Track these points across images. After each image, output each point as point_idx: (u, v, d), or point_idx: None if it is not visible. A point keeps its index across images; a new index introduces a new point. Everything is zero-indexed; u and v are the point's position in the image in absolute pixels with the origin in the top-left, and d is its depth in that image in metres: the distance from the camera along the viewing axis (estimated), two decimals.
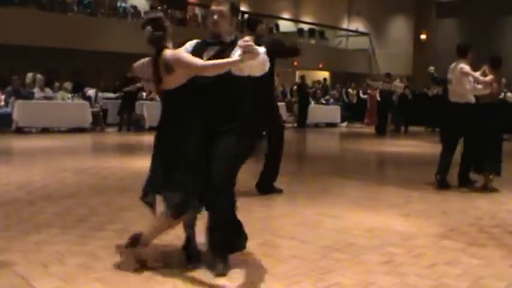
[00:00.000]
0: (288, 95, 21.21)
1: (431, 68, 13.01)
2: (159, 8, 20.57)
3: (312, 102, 20.31)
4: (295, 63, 20.50)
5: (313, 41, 25.30)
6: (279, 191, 6.36)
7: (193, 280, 3.38)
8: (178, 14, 21.16)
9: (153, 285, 3.29)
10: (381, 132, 17.14)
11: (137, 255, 3.59)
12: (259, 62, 3.43)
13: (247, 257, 3.83)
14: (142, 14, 20.04)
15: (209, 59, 3.56)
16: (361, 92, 22.32)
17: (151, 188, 3.69)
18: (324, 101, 21.62)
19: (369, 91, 20.78)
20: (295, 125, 19.11)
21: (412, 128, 19.39)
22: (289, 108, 19.66)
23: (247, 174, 5.56)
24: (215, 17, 3.66)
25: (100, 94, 15.83)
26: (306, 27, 26.07)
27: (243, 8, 20.01)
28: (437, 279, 3.54)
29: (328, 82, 24.29)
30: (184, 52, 3.56)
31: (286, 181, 6.68)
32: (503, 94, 12.95)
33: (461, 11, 24.34)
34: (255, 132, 5.79)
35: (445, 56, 22.64)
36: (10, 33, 14.98)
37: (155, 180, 3.65)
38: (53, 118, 14.15)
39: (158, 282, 3.34)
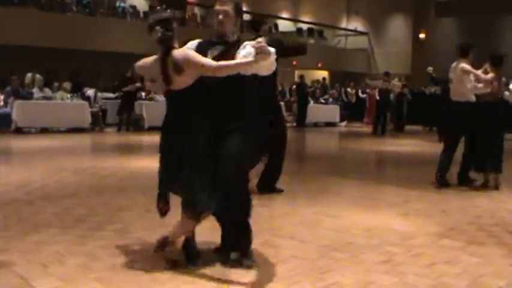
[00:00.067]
0: (287, 95, 21.22)
1: (430, 69, 13.04)
2: (159, 7, 20.56)
3: (311, 102, 20.32)
4: (294, 63, 20.52)
5: (312, 41, 25.29)
6: (280, 191, 6.35)
7: (193, 280, 3.38)
8: (177, 14, 21.10)
9: (153, 285, 3.29)
10: (377, 132, 17.09)
11: (167, 256, 3.63)
12: (269, 62, 3.47)
13: (245, 257, 3.82)
14: (141, 14, 20.07)
15: (213, 58, 3.57)
16: (360, 91, 22.33)
17: (162, 189, 3.70)
18: (323, 101, 21.64)
19: (367, 90, 20.80)
20: (294, 124, 19.11)
21: (410, 127, 19.41)
22: (288, 108, 19.65)
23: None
24: (220, 16, 3.67)
25: (99, 94, 15.84)
26: (305, 26, 26.08)
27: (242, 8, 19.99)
28: (437, 278, 3.55)
29: (327, 81, 24.30)
30: (194, 52, 3.57)
31: (286, 180, 6.68)
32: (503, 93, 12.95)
33: (460, 10, 24.36)
34: (263, 131, 5.83)
35: (444, 55, 22.71)
36: (9, 33, 14.98)
37: (162, 180, 3.67)
38: (52, 118, 14.15)
39: (158, 282, 3.34)
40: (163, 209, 3.70)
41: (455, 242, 4.46)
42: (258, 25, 6.35)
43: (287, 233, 4.55)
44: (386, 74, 17.93)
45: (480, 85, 7.06)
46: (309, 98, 20.12)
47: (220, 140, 3.59)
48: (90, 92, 15.60)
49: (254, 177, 6.33)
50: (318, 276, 3.51)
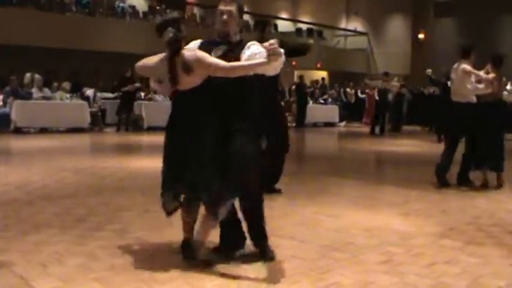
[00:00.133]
0: (287, 95, 21.21)
1: (429, 71, 13.06)
2: (158, 7, 20.58)
3: (310, 102, 20.31)
4: (294, 63, 20.51)
5: (311, 41, 25.30)
6: (278, 191, 6.35)
7: (192, 280, 3.38)
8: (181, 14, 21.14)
9: (152, 285, 3.29)
10: (374, 132, 17.08)
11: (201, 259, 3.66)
12: (279, 63, 3.51)
13: (247, 257, 3.83)
14: (140, 14, 20.06)
15: (217, 58, 3.59)
16: (359, 91, 22.33)
17: (164, 188, 3.71)
18: (322, 101, 21.64)
19: (367, 90, 20.79)
20: (294, 124, 19.11)
21: (410, 128, 19.42)
22: (287, 108, 19.65)
23: None
24: (225, 17, 3.70)
25: (98, 94, 15.83)
26: (304, 27, 26.07)
27: None
28: (436, 278, 3.55)
29: (326, 82, 24.30)
30: (205, 53, 3.58)
31: (286, 181, 6.68)
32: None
33: (459, 10, 24.36)
34: (270, 130, 5.93)
35: (443, 55, 22.78)
36: (8, 33, 14.96)
37: (165, 180, 3.68)
38: (52, 118, 14.14)
39: (158, 282, 3.34)
40: (169, 208, 3.69)
41: (455, 242, 4.46)
42: (263, 26, 6.37)
43: (287, 233, 4.54)
44: (386, 74, 17.93)
45: (481, 86, 7.07)
46: (308, 98, 20.11)
47: (225, 140, 3.61)
48: (89, 92, 15.59)
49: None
50: (318, 276, 3.51)
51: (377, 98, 17.72)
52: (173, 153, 3.64)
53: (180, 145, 3.60)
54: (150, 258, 3.80)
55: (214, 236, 3.98)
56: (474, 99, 7.13)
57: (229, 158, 3.59)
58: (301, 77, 20.21)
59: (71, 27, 16.62)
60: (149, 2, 21.21)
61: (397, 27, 26.38)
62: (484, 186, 7.13)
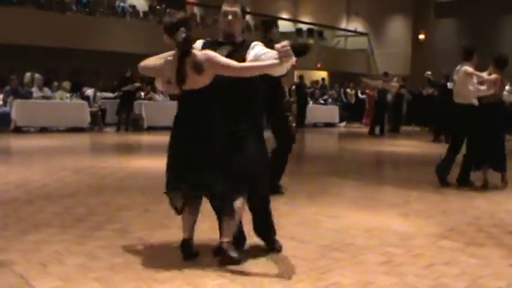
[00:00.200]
0: (287, 95, 21.19)
1: (428, 73, 13.08)
2: (158, 7, 20.58)
3: (310, 102, 20.31)
4: (294, 63, 20.52)
5: (311, 41, 25.30)
6: (280, 192, 6.33)
7: (192, 280, 3.38)
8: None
9: (152, 285, 3.29)
10: (374, 133, 17.07)
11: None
12: (289, 65, 3.55)
13: (247, 257, 3.83)
14: (141, 14, 20.06)
15: None
16: (359, 92, 22.32)
17: (169, 188, 3.71)
18: (322, 101, 21.63)
19: (367, 91, 20.78)
20: (294, 124, 19.07)
21: (408, 128, 19.41)
22: (287, 108, 19.62)
23: None
24: (230, 17, 3.74)
25: (98, 94, 15.84)
26: (304, 27, 26.08)
27: None
28: (436, 279, 3.55)
29: (326, 82, 24.30)
30: (216, 53, 3.59)
31: (286, 181, 6.68)
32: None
33: (460, 11, 24.36)
34: (277, 129, 6.30)
35: (443, 56, 22.79)
36: (9, 33, 14.97)
37: (170, 180, 3.68)
38: (52, 118, 14.15)
39: (158, 281, 3.34)
40: (178, 205, 3.71)
41: (455, 243, 4.46)
42: (268, 27, 6.40)
43: (287, 233, 4.54)
44: (385, 74, 17.93)
45: (483, 87, 7.09)
46: (308, 99, 20.11)
47: (230, 140, 3.65)
48: (89, 91, 15.60)
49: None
50: (318, 276, 3.51)
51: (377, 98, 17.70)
52: (179, 153, 3.64)
53: (186, 145, 3.61)
54: (150, 257, 3.80)
55: (215, 236, 3.99)
56: (476, 102, 7.15)
57: (235, 158, 3.62)
58: (301, 77, 20.20)
59: (71, 26, 16.62)
60: (149, 2, 21.22)
61: (397, 27, 26.38)
62: (484, 186, 7.14)
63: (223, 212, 3.65)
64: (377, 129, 17.12)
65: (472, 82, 7.07)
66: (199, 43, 3.83)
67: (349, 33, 27.26)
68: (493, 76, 7.05)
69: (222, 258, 3.65)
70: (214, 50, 3.68)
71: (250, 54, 3.68)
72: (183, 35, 3.52)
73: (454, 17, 25.19)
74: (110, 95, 16.45)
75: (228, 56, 3.63)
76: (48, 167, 7.99)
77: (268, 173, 3.98)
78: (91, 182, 6.86)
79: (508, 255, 4.16)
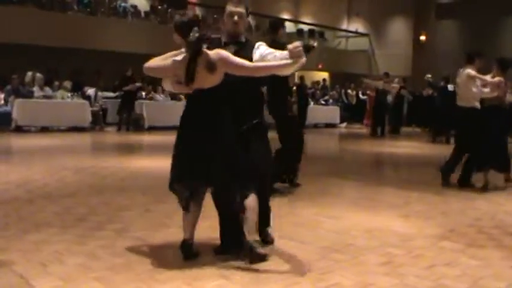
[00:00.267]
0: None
1: (428, 76, 13.10)
2: (160, 7, 20.59)
3: (311, 103, 20.30)
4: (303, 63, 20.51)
5: (314, 42, 25.31)
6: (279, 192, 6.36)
7: (192, 280, 3.38)
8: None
9: (153, 285, 3.29)
10: (376, 134, 17.06)
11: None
12: (299, 65, 3.60)
13: (245, 258, 3.83)
14: (142, 14, 20.06)
15: None
16: (360, 92, 22.32)
17: (175, 187, 3.73)
18: (323, 102, 21.63)
19: (368, 92, 20.77)
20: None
21: (408, 129, 19.39)
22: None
23: None
24: (235, 18, 3.81)
25: (99, 93, 15.85)
26: (305, 27, 26.08)
27: None
28: (436, 280, 3.55)
29: (327, 83, 24.29)
30: (228, 53, 3.63)
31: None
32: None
33: (461, 13, 24.34)
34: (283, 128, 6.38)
35: (444, 57, 22.79)
36: (10, 32, 14.97)
37: (175, 178, 3.69)
38: (53, 117, 14.17)
39: (158, 281, 3.34)
40: (186, 203, 3.73)
41: (455, 244, 4.46)
42: (276, 28, 6.44)
43: (287, 234, 4.54)
44: (386, 74, 17.92)
45: (486, 90, 7.11)
46: (309, 99, 20.10)
47: (239, 138, 3.71)
48: (90, 91, 15.61)
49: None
50: (318, 277, 3.51)
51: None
52: (186, 152, 3.65)
53: (195, 144, 3.62)
54: (151, 257, 3.80)
55: (215, 236, 3.99)
56: (478, 105, 7.18)
57: (244, 157, 3.69)
58: (302, 78, 20.19)
59: (73, 26, 16.63)
60: (151, 2, 21.22)
61: (398, 28, 26.37)
62: (485, 188, 7.13)
63: (233, 209, 3.70)
64: (378, 130, 17.11)
65: (475, 84, 7.10)
66: None
67: (350, 34, 27.25)
68: (497, 79, 7.07)
69: (250, 257, 3.69)
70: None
71: (256, 54, 3.74)
72: (196, 35, 3.54)
73: (455, 18, 25.17)
74: (111, 94, 16.47)
75: (234, 55, 3.67)
76: (49, 166, 7.99)
77: (270, 172, 4.08)
78: (92, 182, 6.86)
79: (509, 256, 4.16)
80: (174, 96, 16.78)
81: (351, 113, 22.27)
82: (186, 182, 3.68)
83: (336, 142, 16.41)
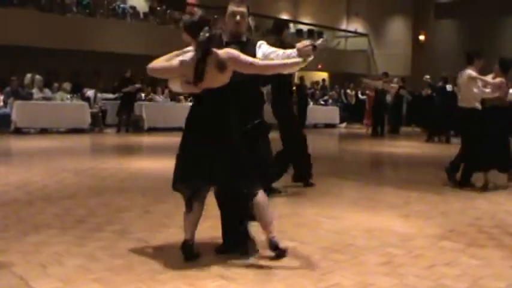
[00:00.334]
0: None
1: (427, 77, 13.08)
2: (159, 8, 20.58)
3: (311, 103, 20.30)
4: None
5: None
6: (278, 192, 6.36)
7: (192, 280, 3.38)
8: (177, 15, 21.15)
9: (153, 286, 3.28)
10: (377, 135, 17.04)
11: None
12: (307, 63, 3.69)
13: (247, 257, 3.83)
14: (141, 15, 20.05)
15: None
16: (359, 92, 22.31)
17: (181, 187, 3.74)
18: (322, 102, 21.62)
19: (367, 92, 20.77)
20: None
21: (408, 129, 19.37)
22: None
23: None
24: (238, 17, 3.84)
25: (99, 95, 15.85)
26: (304, 28, 26.08)
27: None
28: (437, 280, 3.54)
29: (327, 83, 24.28)
30: (238, 51, 3.65)
31: (285, 182, 6.69)
32: None
33: (460, 12, 24.36)
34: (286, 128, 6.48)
35: (443, 57, 22.79)
36: (9, 34, 14.98)
37: (177, 179, 3.70)
38: (52, 119, 14.16)
39: (158, 282, 3.33)
40: (191, 204, 3.74)
41: (455, 244, 4.45)
42: (280, 29, 6.49)
43: (287, 234, 4.53)
44: (385, 74, 17.92)
45: (488, 90, 7.11)
46: (309, 100, 20.09)
47: (243, 137, 3.74)
48: (89, 92, 15.61)
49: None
50: (319, 277, 3.51)
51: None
52: (192, 152, 3.65)
53: (202, 143, 3.63)
54: (151, 258, 3.80)
55: (216, 236, 3.98)
56: (479, 106, 7.19)
57: (251, 156, 3.72)
58: (301, 78, 20.19)
59: (72, 27, 16.64)
60: (150, 3, 21.22)
61: (397, 28, 26.37)
62: (485, 187, 7.13)
63: (240, 208, 3.76)
64: (379, 129, 17.10)
65: (476, 85, 7.12)
66: None
67: (349, 34, 27.25)
68: (498, 79, 7.07)
69: (277, 252, 3.78)
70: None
71: (259, 53, 3.80)
72: (207, 35, 3.54)
73: (454, 18, 25.19)
74: (110, 96, 16.46)
75: None
76: (48, 168, 7.98)
77: (270, 172, 4.15)
78: (91, 183, 6.86)
79: (509, 256, 4.16)
80: (173, 98, 16.79)
81: (351, 113, 22.26)
82: (190, 182, 3.67)
83: (335, 142, 16.41)
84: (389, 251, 4.17)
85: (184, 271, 3.53)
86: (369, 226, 4.93)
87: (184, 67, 3.61)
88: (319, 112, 20.75)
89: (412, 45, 25.66)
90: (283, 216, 5.26)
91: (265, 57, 3.78)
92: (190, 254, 3.73)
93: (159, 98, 16.75)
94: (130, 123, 15.45)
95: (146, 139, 14.00)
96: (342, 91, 23.14)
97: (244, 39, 3.91)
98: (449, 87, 15.70)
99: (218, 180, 3.69)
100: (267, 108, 4.97)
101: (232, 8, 3.87)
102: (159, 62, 3.74)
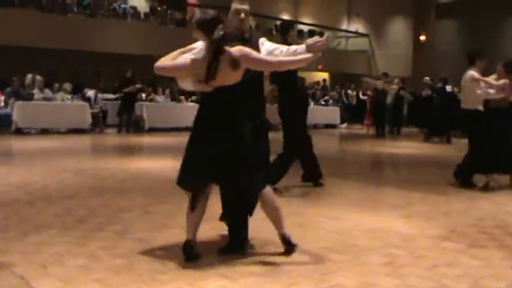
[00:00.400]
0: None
1: (426, 78, 13.08)
2: (159, 8, 20.58)
3: (311, 103, 20.28)
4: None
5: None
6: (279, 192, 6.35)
7: (193, 281, 3.37)
8: (177, 15, 21.16)
9: (153, 286, 3.28)
10: (381, 135, 17.01)
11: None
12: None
13: (248, 258, 3.82)
14: (142, 15, 20.06)
15: None
16: (360, 93, 22.30)
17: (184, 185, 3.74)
18: (323, 102, 21.61)
19: (368, 92, 20.75)
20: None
21: (409, 130, 19.35)
22: None
23: None
24: (242, 15, 3.90)
25: (99, 95, 15.85)
26: (305, 28, 26.07)
27: None
28: (438, 280, 3.54)
29: (327, 83, 24.28)
30: (250, 49, 3.68)
31: (286, 182, 6.67)
32: None
33: (461, 12, 24.35)
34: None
35: (444, 57, 22.78)
36: (10, 34, 14.99)
37: (185, 177, 3.70)
38: (53, 119, 14.17)
39: (159, 283, 3.33)
40: (196, 202, 3.75)
41: (457, 244, 4.45)
42: (286, 29, 6.52)
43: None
44: (385, 74, 17.90)
45: (492, 91, 7.10)
46: (309, 100, 20.07)
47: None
48: (90, 93, 15.61)
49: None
50: (320, 277, 3.50)
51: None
52: (199, 150, 3.66)
53: (211, 141, 3.63)
54: (151, 258, 3.79)
55: (217, 237, 3.98)
56: (481, 107, 7.18)
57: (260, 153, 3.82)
58: (302, 79, 20.16)
59: (73, 28, 16.64)
60: (150, 3, 21.21)
61: (398, 28, 26.37)
62: (486, 188, 7.12)
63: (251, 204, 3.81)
64: (380, 130, 17.10)
65: (479, 86, 7.11)
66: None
67: (350, 34, 27.25)
68: (502, 81, 7.06)
69: (289, 247, 3.87)
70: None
71: (262, 50, 3.87)
72: (221, 33, 3.55)
73: (455, 18, 25.18)
74: (111, 96, 16.46)
75: None
76: (49, 168, 7.98)
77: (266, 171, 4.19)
78: (92, 184, 6.85)
79: (510, 256, 4.15)
80: (174, 98, 16.79)
81: (351, 113, 22.24)
82: (197, 178, 3.68)
83: (336, 143, 16.40)
84: (391, 251, 4.16)
85: (185, 271, 3.53)
86: (370, 226, 4.92)
87: (196, 65, 3.60)
88: (320, 112, 20.72)
89: (413, 46, 25.65)
90: (284, 216, 5.25)
91: (269, 53, 3.84)
92: (191, 255, 3.72)
93: (159, 98, 16.75)
94: (131, 123, 15.45)
95: (147, 139, 14.00)
96: (343, 91, 23.13)
97: (247, 35, 3.95)
98: (448, 88, 15.69)
99: (226, 178, 3.70)
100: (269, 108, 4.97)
101: (236, 5, 3.92)
102: (166, 61, 3.72)
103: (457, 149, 12.76)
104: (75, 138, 13.15)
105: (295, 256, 3.92)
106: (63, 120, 14.33)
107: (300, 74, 21.48)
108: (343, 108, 22.05)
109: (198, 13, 4.16)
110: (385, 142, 15.39)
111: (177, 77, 3.88)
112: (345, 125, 21.62)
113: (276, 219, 3.88)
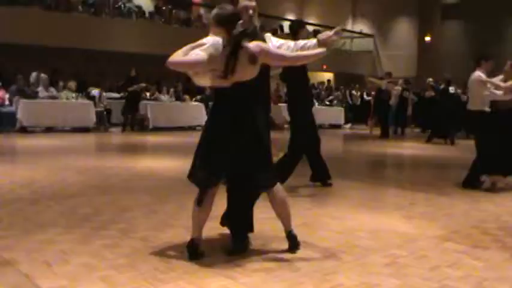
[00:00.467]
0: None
1: (430, 80, 13.05)
2: (164, 7, 20.61)
3: (316, 104, 20.27)
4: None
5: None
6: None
7: (196, 280, 3.38)
8: (182, 15, 21.19)
9: (157, 285, 3.29)
10: (388, 136, 16.95)
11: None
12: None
13: (251, 257, 3.84)
14: (147, 14, 20.09)
15: None
16: (365, 93, 22.28)
17: (201, 183, 3.76)
18: (327, 103, 21.61)
19: (373, 92, 20.71)
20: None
21: (413, 130, 19.31)
22: None
23: None
24: (251, 12, 3.96)
25: (104, 94, 15.88)
26: (310, 28, 26.05)
27: None
28: (440, 281, 3.54)
29: (332, 83, 24.27)
30: (267, 44, 3.76)
31: (289, 182, 6.68)
32: None
33: (466, 13, 24.31)
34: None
35: (449, 58, 22.75)
36: (15, 33, 15.04)
37: (196, 173, 3.72)
38: (57, 117, 14.21)
39: (162, 282, 3.34)
40: (203, 197, 3.76)
41: (459, 245, 4.45)
42: (297, 29, 6.55)
43: None
44: (388, 74, 17.87)
45: (500, 92, 7.09)
46: (314, 100, 20.04)
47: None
48: (95, 91, 15.64)
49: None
50: (322, 277, 3.51)
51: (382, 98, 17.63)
52: (216, 143, 3.67)
53: (228, 135, 3.66)
54: (155, 258, 3.80)
55: (218, 236, 3.99)
56: (488, 109, 7.17)
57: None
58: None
59: (77, 26, 16.69)
60: (155, 2, 21.25)
61: (403, 29, 26.35)
62: (493, 187, 7.12)
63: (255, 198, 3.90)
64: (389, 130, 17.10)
65: (486, 88, 7.10)
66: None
67: (355, 35, 27.23)
68: (510, 83, 7.04)
69: (294, 243, 3.96)
70: None
71: (270, 45, 3.93)
72: (240, 28, 3.60)
73: (460, 19, 25.15)
74: (115, 95, 16.50)
75: None
76: (53, 167, 8.01)
77: None
78: (96, 182, 6.88)
79: None
80: (178, 97, 16.81)
81: (356, 113, 22.23)
82: (211, 176, 3.69)
83: (340, 143, 16.39)
84: (393, 252, 4.16)
85: (188, 270, 3.54)
86: (373, 227, 4.93)
87: (213, 61, 3.60)
88: (324, 113, 20.71)
89: (417, 46, 25.63)
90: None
91: (271, 46, 3.91)
92: (195, 253, 3.74)
93: (164, 97, 16.77)
94: (135, 122, 15.48)
95: (151, 138, 14.02)
96: (347, 92, 23.11)
97: (256, 31, 3.99)
98: (452, 89, 15.67)
99: (242, 173, 3.74)
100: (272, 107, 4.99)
101: (245, 2, 3.97)
102: (178, 56, 3.63)
103: (460, 150, 12.75)
104: (80, 137, 13.19)
105: (298, 256, 3.94)
106: (67, 118, 14.37)
107: None
108: (347, 108, 22.04)
109: (215, 10, 4.16)
110: (388, 143, 15.36)
111: (192, 74, 3.84)
112: (349, 125, 21.61)
113: (285, 216, 3.95)
